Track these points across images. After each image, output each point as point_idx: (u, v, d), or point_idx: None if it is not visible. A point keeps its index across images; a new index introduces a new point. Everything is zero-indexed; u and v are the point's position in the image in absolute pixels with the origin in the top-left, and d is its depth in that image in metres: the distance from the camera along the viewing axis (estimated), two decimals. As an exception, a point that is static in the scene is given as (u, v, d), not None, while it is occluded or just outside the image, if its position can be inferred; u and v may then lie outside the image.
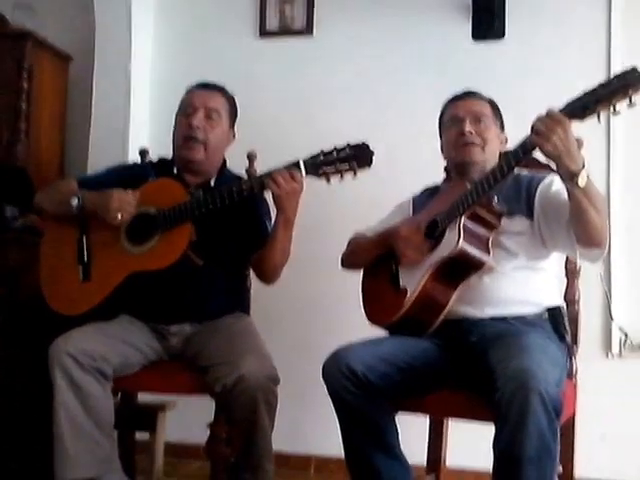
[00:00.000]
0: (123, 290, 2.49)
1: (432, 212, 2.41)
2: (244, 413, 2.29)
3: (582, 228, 2.14)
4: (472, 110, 2.46)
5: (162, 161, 2.77)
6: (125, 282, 2.47)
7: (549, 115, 2.02)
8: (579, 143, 2.32)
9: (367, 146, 2.33)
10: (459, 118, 2.45)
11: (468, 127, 2.42)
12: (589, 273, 2.62)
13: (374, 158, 2.33)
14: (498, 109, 2.52)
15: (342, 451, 2.27)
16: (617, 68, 3.00)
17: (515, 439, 1.90)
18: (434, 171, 2.71)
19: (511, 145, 2.37)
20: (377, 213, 2.67)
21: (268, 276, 2.59)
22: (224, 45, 3.51)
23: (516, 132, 2.26)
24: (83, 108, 3.45)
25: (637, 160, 3.13)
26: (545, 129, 2.01)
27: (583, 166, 2.04)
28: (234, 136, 2.74)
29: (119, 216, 2.45)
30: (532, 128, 2.05)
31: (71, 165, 3.49)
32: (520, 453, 1.90)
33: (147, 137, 3.46)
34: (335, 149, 2.35)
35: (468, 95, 2.51)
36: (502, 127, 2.52)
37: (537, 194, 2.34)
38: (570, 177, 2.05)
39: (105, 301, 2.49)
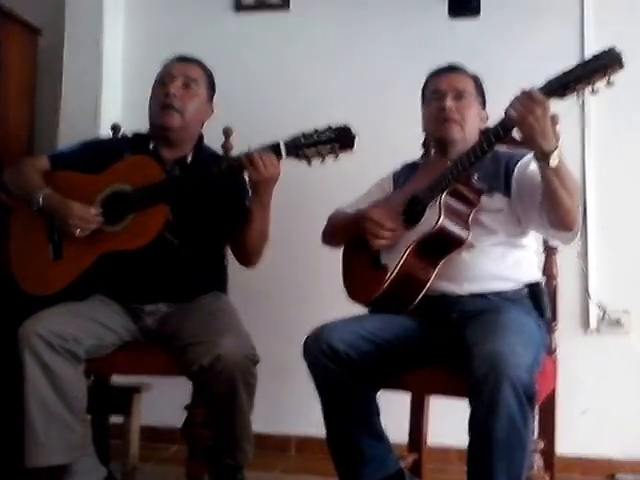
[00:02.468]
0: (96, 269, 2.43)
1: (412, 188, 2.39)
2: (222, 394, 2.24)
3: (552, 209, 2.13)
4: (455, 86, 2.43)
5: (138, 136, 2.70)
6: (98, 261, 2.41)
7: (527, 94, 2.02)
8: (555, 120, 2.36)
9: (349, 129, 2.31)
10: (441, 92, 2.43)
11: (449, 102, 2.40)
12: (566, 249, 2.60)
13: (354, 138, 2.29)
14: (481, 86, 2.50)
15: (323, 431, 2.24)
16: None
17: (486, 423, 1.91)
18: (412, 149, 2.70)
19: (490, 123, 2.35)
20: (358, 191, 2.63)
21: (247, 259, 2.56)
22: (199, 20, 3.46)
23: (494, 109, 2.25)
24: (53, 82, 3.38)
25: (612, 137, 3.11)
26: (522, 108, 2.01)
27: (556, 147, 2.04)
28: (212, 110, 2.68)
29: (77, 232, 2.40)
30: (509, 106, 2.04)
31: (41, 140, 3.41)
32: (490, 436, 1.91)
33: (119, 112, 3.40)
34: (316, 131, 2.32)
35: (452, 70, 2.49)
36: (484, 104, 2.50)
37: (515, 172, 2.33)
38: (542, 157, 2.05)
39: (77, 281, 2.43)
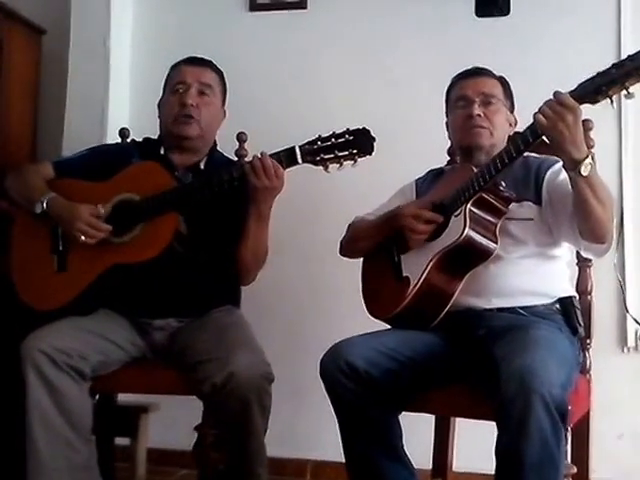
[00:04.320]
0: (102, 283, 2.43)
1: (436, 196, 2.38)
2: (235, 415, 2.24)
3: (584, 220, 2.13)
4: (482, 90, 2.43)
5: (147, 141, 2.72)
6: (104, 274, 2.42)
7: (557, 99, 2.01)
8: (589, 125, 2.37)
9: (368, 132, 2.31)
10: (468, 99, 2.43)
11: (477, 110, 2.40)
12: (602, 262, 2.60)
13: (374, 143, 2.29)
14: (509, 88, 2.50)
15: (341, 455, 2.23)
16: (628, 45, 3.03)
17: (516, 444, 1.88)
18: (435, 154, 2.69)
19: (520, 127, 2.36)
20: (376, 197, 2.63)
21: (241, 276, 2.57)
22: (211, 19, 3.46)
23: (523, 113, 2.25)
24: (58, 86, 3.39)
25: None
26: (552, 114, 2.01)
27: (587, 155, 2.03)
28: (225, 114, 2.70)
29: (82, 238, 2.40)
30: (538, 112, 2.03)
31: (44, 147, 3.41)
32: (521, 459, 1.88)
33: (127, 116, 3.41)
34: (334, 134, 2.32)
35: (478, 73, 2.48)
36: (512, 108, 2.50)
37: (545, 180, 2.32)
38: (573, 165, 2.04)
39: (82, 294, 2.43)
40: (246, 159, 2.73)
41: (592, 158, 2.05)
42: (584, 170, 2.03)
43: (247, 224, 2.44)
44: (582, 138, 2.03)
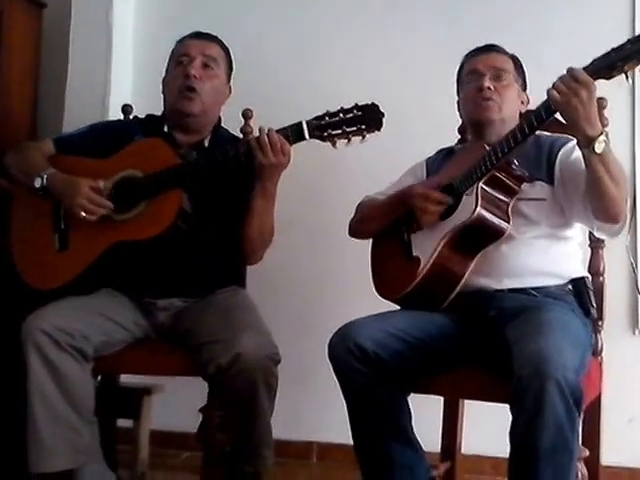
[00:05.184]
0: (104, 261, 2.43)
1: (447, 176, 2.38)
2: (241, 396, 2.24)
3: (597, 199, 2.13)
4: (493, 65, 2.43)
5: (150, 118, 2.70)
6: (107, 252, 2.41)
7: (571, 75, 2.01)
8: (603, 103, 2.36)
9: (377, 107, 2.29)
10: (479, 72, 2.43)
11: (487, 82, 2.39)
12: (614, 243, 2.59)
13: (384, 120, 2.27)
14: (521, 66, 2.50)
15: (347, 438, 2.24)
16: None
17: (530, 429, 1.88)
18: (446, 132, 2.69)
19: (532, 106, 2.35)
20: (386, 176, 2.63)
21: (247, 256, 2.56)
22: None
23: (535, 91, 2.25)
24: (59, 61, 3.37)
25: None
26: (566, 90, 2.00)
27: (601, 132, 2.03)
28: (230, 91, 2.69)
29: (83, 214, 2.39)
30: (552, 87, 2.03)
31: (45, 123, 3.40)
32: (535, 444, 1.88)
33: (130, 93, 3.40)
34: (342, 110, 2.31)
35: (490, 49, 2.48)
36: (524, 86, 2.50)
37: (558, 159, 2.32)
38: (586, 142, 2.04)
39: (84, 273, 2.43)
40: (252, 135, 2.72)
41: (606, 136, 2.04)
42: (598, 147, 2.02)
43: (253, 201, 2.43)
44: (596, 115, 2.03)
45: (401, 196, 2.42)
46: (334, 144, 2.32)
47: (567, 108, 2.01)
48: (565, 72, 2.02)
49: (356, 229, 2.59)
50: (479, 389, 2.18)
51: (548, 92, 2.04)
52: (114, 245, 2.41)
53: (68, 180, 2.44)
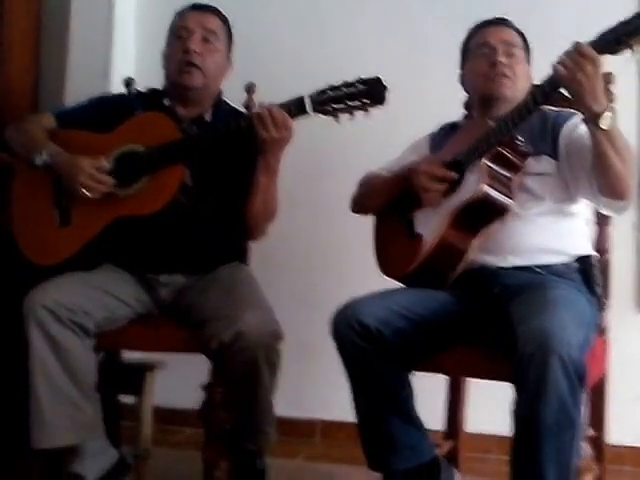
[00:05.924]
0: (106, 236, 2.44)
1: (451, 152, 2.37)
2: (243, 373, 2.26)
3: (603, 175, 2.13)
4: (505, 39, 2.42)
5: (151, 92, 2.70)
6: (108, 228, 2.42)
7: (576, 49, 2.01)
8: (610, 78, 2.36)
9: (380, 81, 2.29)
10: (491, 46, 2.41)
11: (501, 57, 2.37)
12: (621, 220, 2.56)
13: (387, 94, 2.27)
14: (527, 42, 2.48)
15: (351, 415, 2.25)
16: None
17: (533, 406, 1.89)
18: (451, 105, 2.65)
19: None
20: (389, 150, 2.62)
21: (250, 231, 2.56)
22: None
23: (540, 66, 2.23)
24: (60, 32, 3.36)
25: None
26: (572, 64, 2.00)
27: (608, 108, 2.03)
28: (231, 64, 2.68)
29: (86, 192, 2.39)
30: (557, 62, 2.03)
31: (46, 97, 3.39)
32: (538, 422, 1.89)
33: (133, 65, 3.38)
34: (344, 84, 2.30)
35: (500, 22, 2.47)
36: (529, 62, 2.49)
37: (562, 133, 2.32)
38: (592, 118, 2.04)
39: (86, 248, 2.44)
40: (254, 110, 2.72)
41: (613, 112, 2.04)
42: (604, 123, 2.03)
43: (256, 177, 2.43)
44: (602, 90, 2.03)
45: (404, 173, 2.41)
46: (337, 118, 2.31)
47: (572, 83, 2.01)
48: (571, 47, 2.01)
49: (358, 205, 2.60)
50: (483, 367, 2.18)
51: (553, 67, 2.04)
52: (115, 220, 2.41)
53: (69, 158, 2.44)
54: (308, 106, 2.31)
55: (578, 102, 2.05)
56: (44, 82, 3.42)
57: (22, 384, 2.27)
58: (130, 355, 2.77)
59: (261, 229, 2.55)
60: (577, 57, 1.99)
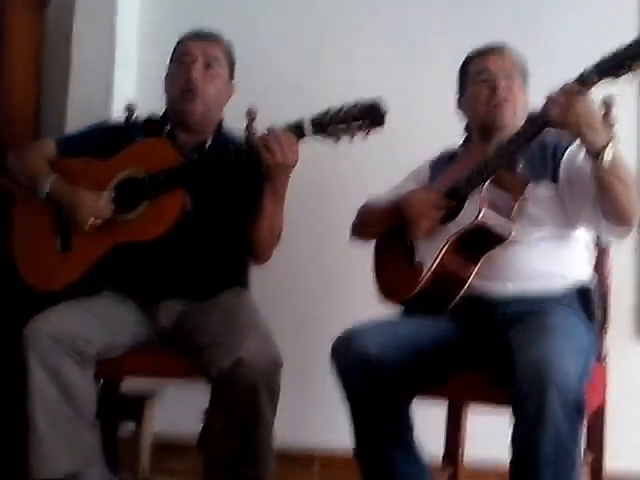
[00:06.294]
0: (107, 263, 2.45)
1: (451, 178, 2.38)
2: (243, 400, 2.25)
3: (608, 202, 2.13)
4: (504, 66, 2.42)
5: (152, 119, 2.72)
6: (109, 254, 2.43)
7: (564, 90, 2.04)
8: (610, 103, 2.40)
9: (379, 104, 2.30)
10: (491, 72, 2.41)
11: (502, 84, 2.38)
12: (621, 245, 2.54)
13: (387, 117, 2.29)
14: (526, 69, 2.49)
15: (350, 445, 2.24)
16: None
17: (531, 435, 1.89)
18: (452, 132, 2.65)
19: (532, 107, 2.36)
20: (389, 176, 2.63)
21: (256, 256, 2.57)
22: None
23: (540, 89, 2.21)
24: (62, 59, 3.37)
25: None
26: (561, 106, 2.04)
27: (609, 140, 2.04)
28: (233, 90, 2.69)
29: (87, 225, 2.42)
30: (546, 103, 2.08)
31: (47, 123, 3.40)
32: (536, 451, 1.90)
33: (134, 91, 3.38)
34: (344, 107, 2.32)
35: (499, 50, 2.47)
36: (527, 87, 2.49)
37: (563, 160, 2.31)
38: (595, 152, 2.05)
39: (86, 275, 2.45)
40: (256, 135, 2.71)
41: (614, 141, 2.05)
42: (606, 156, 2.04)
43: (262, 203, 2.44)
44: (601, 123, 2.05)
45: (401, 202, 2.42)
46: (336, 141, 2.33)
47: (567, 124, 2.05)
48: (558, 89, 2.05)
49: (357, 233, 2.60)
50: (483, 393, 2.19)
51: (544, 110, 2.08)
52: (116, 246, 2.42)
53: (70, 191, 2.46)
54: (307, 129, 2.33)
55: (579, 139, 2.08)
56: (46, 108, 3.42)
57: (22, 412, 2.26)
58: (130, 382, 2.76)
59: (267, 253, 2.55)
60: (563, 98, 2.02)
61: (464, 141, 2.64)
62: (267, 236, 2.49)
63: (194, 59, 2.56)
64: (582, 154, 2.22)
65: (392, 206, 2.46)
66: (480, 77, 2.43)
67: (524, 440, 1.91)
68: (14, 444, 2.37)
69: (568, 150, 2.31)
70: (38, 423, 2.24)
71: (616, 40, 2.01)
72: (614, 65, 2.00)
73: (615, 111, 2.45)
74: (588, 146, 2.06)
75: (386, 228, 2.48)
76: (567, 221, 2.32)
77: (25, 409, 2.25)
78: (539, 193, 2.30)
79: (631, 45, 1.98)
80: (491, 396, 2.16)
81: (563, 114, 2.02)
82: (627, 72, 1.99)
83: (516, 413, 1.94)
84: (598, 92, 2.15)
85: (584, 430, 2.07)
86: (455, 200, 2.32)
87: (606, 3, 3.09)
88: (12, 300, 2.59)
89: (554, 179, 2.31)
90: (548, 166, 2.32)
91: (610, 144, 2.03)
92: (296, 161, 2.35)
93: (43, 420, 2.24)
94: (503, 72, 2.40)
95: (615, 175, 2.07)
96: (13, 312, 2.48)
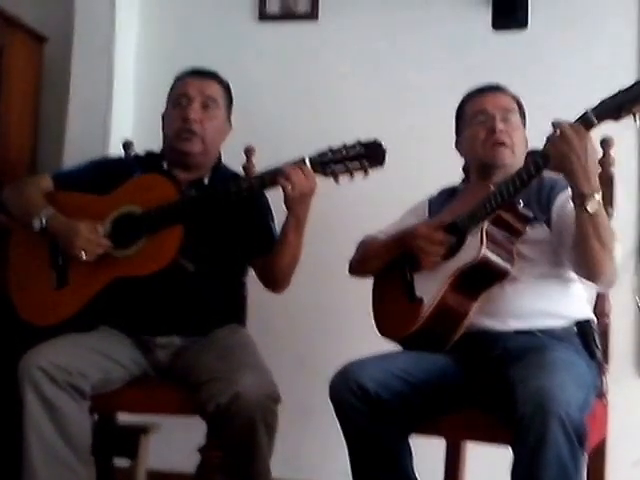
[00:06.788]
0: (103, 298, 2.45)
1: (451, 214, 2.39)
2: (240, 435, 2.25)
3: (580, 256, 2.15)
4: (501, 105, 2.44)
5: (150, 155, 2.74)
6: (106, 289, 2.44)
7: (563, 130, 2.05)
8: (609, 143, 2.42)
9: (379, 144, 2.33)
10: (488, 114, 2.43)
11: (499, 125, 2.39)
12: (621, 285, 2.51)
13: (386, 156, 2.32)
14: (523, 107, 2.51)
15: (349, 479, 2.23)
16: None
17: (532, 468, 1.88)
18: (450, 170, 2.68)
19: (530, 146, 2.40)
20: (387, 213, 2.65)
21: (278, 284, 2.58)
22: (219, 29, 3.45)
23: (539, 130, 2.23)
24: (60, 95, 3.39)
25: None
26: (560, 143, 2.04)
27: (597, 191, 2.05)
28: (230, 127, 2.72)
29: (83, 255, 2.42)
30: (547, 142, 2.08)
31: (44, 158, 3.42)
32: None
33: (131, 128, 3.40)
34: (344, 146, 2.35)
35: (495, 89, 2.49)
36: (525, 126, 2.51)
37: (555, 203, 2.33)
38: (580, 197, 2.06)
39: (83, 310, 2.45)
40: (254, 172, 2.75)
41: (601, 198, 2.06)
42: (590, 206, 2.05)
43: (284, 233, 2.45)
44: (595, 172, 2.06)
45: (402, 236, 2.43)
46: (337, 179, 2.35)
47: (561, 165, 2.05)
48: (559, 125, 2.06)
49: (356, 269, 2.61)
50: (482, 431, 2.18)
51: (544, 149, 2.09)
52: (113, 281, 2.43)
53: (66, 223, 2.47)
54: (308, 167, 2.35)
55: (569, 179, 2.08)
56: (43, 144, 3.45)
57: (17, 446, 2.26)
58: (125, 417, 2.75)
59: (287, 281, 2.57)
60: (565, 138, 2.03)
61: (464, 179, 2.66)
62: (288, 264, 2.51)
63: (191, 99, 2.58)
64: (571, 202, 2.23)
65: (394, 239, 2.47)
66: (477, 118, 2.44)
67: (525, 472, 1.89)
68: (8, 477, 2.37)
69: (561, 195, 2.32)
70: (33, 457, 2.24)
71: (615, 84, 2.04)
72: (614, 107, 2.01)
73: (613, 154, 2.48)
74: (576, 188, 2.06)
75: (386, 263, 2.48)
76: (561, 263, 2.32)
77: (20, 442, 2.25)
78: (534, 234, 2.31)
79: (632, 87, 2.00)
80: (489, 435, 2.16)
81: (560, 154, 2.04)
82: (626, 114, 2.01)
83: (517, 445, 1.92)
84: (599, 133, 2.18)
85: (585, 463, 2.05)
86: (455, 236, 2.32)
87: (605, 47, 3.13)
88: (9, 335, 2.58)
89: (548, 223, 2.32)
90: (543, 209, 2.34)
91: (597, 195, 2.05)
92: (314, 189, 2.37)
93: (38, 454, 2.24)
94: (500, 112, 2.41)
95: (594, 229, 2.07)
96: (9, 346, 2.48)
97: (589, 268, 2.15)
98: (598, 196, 2.05)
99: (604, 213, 2.09)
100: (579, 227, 2.09)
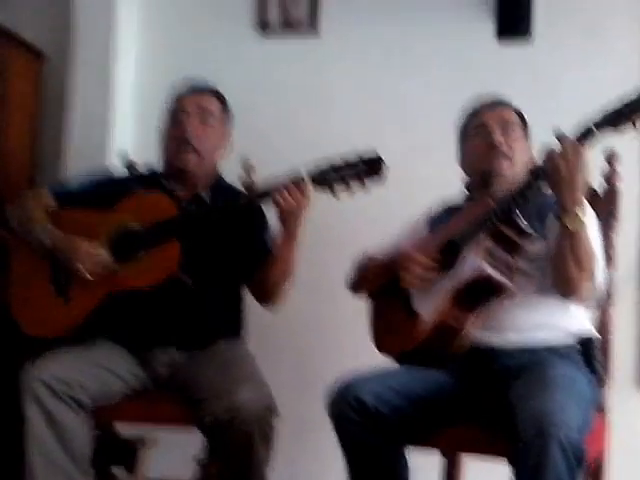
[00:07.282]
0: (103, 311, 2.47)
1: (450, 229, 2.39)
2: (238, 447, 2.26)
3: (553, 271, 2.17)
4: (502, 118, 2.44)
5: (150, 172, 2.77)
6: (105, 302, 2.46)
7: (562, 143, 2.07)
8: (613, 157, 2.42)
9: (379, 158, 2.35)
10: (487, 127, 2.42)
11: (498, 137, 2.39)
12: (623, 299, 2.63)
13: (386, 170, 2.33)
14: (525, 120, 2.50)
15: (346, 495, 2.24)
16: None
17: None
18: (450, 185, 2.67)
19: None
20: (386, 229, 2.65)
21: (268, 299, 2.60)
22: (219, 43, 3.44)
23: (544, 143, 2.24)
24: (58, 111, 3.41)
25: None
26: (555, 155, 2.06)
27: (580, 210, 2.08)
28: (229, 141, 2.73)
29: (85, 275, 2.44)
30: (545, 155, 2.10)
31: (44, 173, 3.43)
32: None
33: (130, 145, 3.38)
34: (344, 160, 2.36)
35: (495, 104, 2.50)
36: (527, 138, 2.51)
37: (548, 219, 2.32)
38: (562, 211, 2.10)
39: (83, 324, 2.47)
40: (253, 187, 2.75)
41: (583, 218, 2.09)
42: (569, 222, 2.08)
43: (276, 248, 2.48)
44: (583, 190, 2.08)
45: (392, 258, 2.43)
46: (335, 194, 2.37)
47: (552, 174, 2.08)
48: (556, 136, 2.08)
49: (354, 287, 2.60)
50: (478, 444, 2.18)
51: (544, 163, 2.11)
52: (112, 294, 2.45)
53: (67, 241, 2.49)
54: (307, 182, 2.37)
55: (554, 192, 2.10)
56: (43, 159, 3.45)
57: (18, 458, 2.28)
58: (124, 429, 2.77)
59: (279, 296, 2.58)
60: (561, 148, 2.06)
61: (466, 197, 2.63)
62: (281, 279, 2.53)
63: (189, 115, 2.60)
64: None
65: (389, 260, 2.46)
66: (477, 132, 2.45)
67: None
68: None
69: (553, 211, 2.31)
70: (34, 468, 2.26)
71: (619, 95, 2.05)
72: (615, 116, 2.03)
73: (618, 166, 2.49)
74: (559, 200, 2.09)
75: (384, 281, 2.48)
76: None
77: (21, 453, 2.27)
78: (535, 250, 2.30)
79: (632, 98, 2.03)
80: (486, 448, 2.16)
81: (552, 167, 2.06)
82: (628, 124, 2.03)
83: (517, 465, 1.93)
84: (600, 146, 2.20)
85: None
86: (453, 251, 2.32)
87: (609, 59, 3.14)
88: (10, 347, 2.60)
89: (544, 237, 2.31)
90: (542, 224, 2.33)
91: (580, 213, 2.07)
92: (307, 205, 2.39)
93: (39, 465, 2.26)
94: (500, 125, 2.41)
95: (570, 246, 2.10)
96: (11, 359, 2.49)
97: (561, 285, 2.18)
98: (581, 214, 2.07)
99: (586, 233, 2.11)
100: (557, 242, 2.13)
